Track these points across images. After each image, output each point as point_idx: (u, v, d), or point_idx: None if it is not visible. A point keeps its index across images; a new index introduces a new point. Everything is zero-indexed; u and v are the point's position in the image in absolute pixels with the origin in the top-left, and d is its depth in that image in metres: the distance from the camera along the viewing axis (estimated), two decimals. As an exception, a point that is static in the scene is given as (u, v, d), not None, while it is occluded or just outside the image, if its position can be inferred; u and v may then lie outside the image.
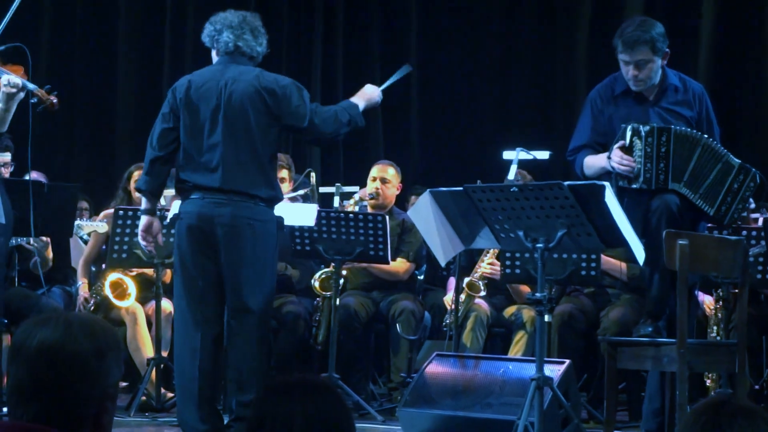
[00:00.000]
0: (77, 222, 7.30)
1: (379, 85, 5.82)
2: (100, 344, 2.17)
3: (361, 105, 5.60)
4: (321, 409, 2.22)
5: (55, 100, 5.06)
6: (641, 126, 5.37)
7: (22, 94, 5.03)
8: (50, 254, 7.25)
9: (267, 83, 5.36)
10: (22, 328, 2.17)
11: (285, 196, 6.99)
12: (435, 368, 6.10)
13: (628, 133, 5.39)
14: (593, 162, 5.63)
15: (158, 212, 6.53)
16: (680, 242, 4.81)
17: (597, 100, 5.70)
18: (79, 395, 2.15)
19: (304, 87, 5.46)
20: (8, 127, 5.22)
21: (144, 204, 5.56)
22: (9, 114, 5.07)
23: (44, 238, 7.00)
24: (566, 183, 4.90)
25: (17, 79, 4.99)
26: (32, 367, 2.13)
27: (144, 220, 5.57)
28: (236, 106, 5.32)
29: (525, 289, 6.87)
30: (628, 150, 5.37)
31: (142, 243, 5.63)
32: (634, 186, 5.38)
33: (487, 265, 7.00)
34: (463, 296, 6.91)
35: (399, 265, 7.31)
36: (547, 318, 5.28)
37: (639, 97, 5.62)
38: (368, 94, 5.68)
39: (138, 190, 5.62)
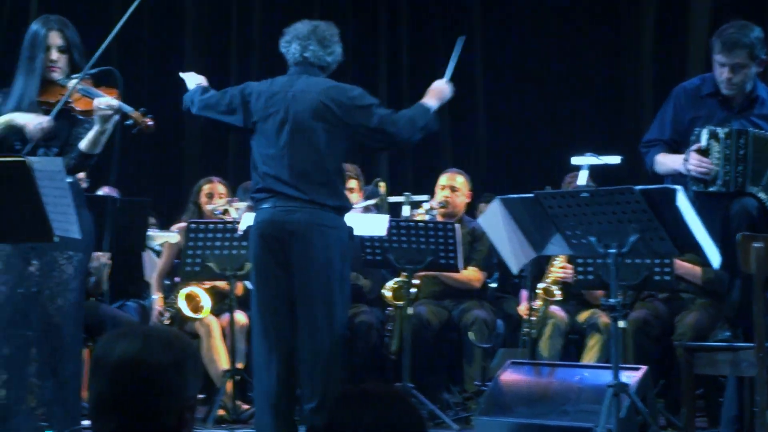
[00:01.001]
0: (149, 233, 7.38)
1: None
2: (178, 356, 2.18)
3: (434, 105, 5.57)
4: (392, 417, 2.22)
5: (150, 123, 5.12)
6: (718, 128, 5.30)
7: (117, 117, 5.09)
8: (105, 275, 7.28)
9: (336, 95, 5.36)
10: (102, 342, 2.20)
11: (355, 206, 7.02)
12: (510, 376, 6.07)
13: (705, 136, 5.32)
14: (666, 161, 5.57)
15: (229, 224, 6.60)
16: (755, 245, 4.75)
17: (681, 97, 5.63)
18: (158, 407, 2.16)
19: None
20: None
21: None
22: (104, 136, 5.14)
23: (104, 259, 7.02)
24: (638, 187, 4.86)
25: (114, 102, 5.05)
26: (113, 380, 2.15)
27: None
28: (302, 117, 5.33)
29: (600, 293, 6.81)
30: (704, 153, 5.31)
31: None
32: (712, 189, 5.32)
33: (559, 269, 6.96)
34: (539, 302, 6.87)
35: (470, 274, 7.29)
36: (621, 324, 5.23)
37: (725, 103, 5.54)
38: (438, 91, 5.65)
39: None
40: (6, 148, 5.22)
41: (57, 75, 5.28)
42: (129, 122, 5.13)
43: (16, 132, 5.23)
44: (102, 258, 6.98)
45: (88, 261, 5.36)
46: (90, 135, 5.14)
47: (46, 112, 5.21)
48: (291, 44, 5.49)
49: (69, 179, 5.13)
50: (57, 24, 5.32)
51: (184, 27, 10.04)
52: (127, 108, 5.07)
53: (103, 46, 5.24)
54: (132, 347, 2.16)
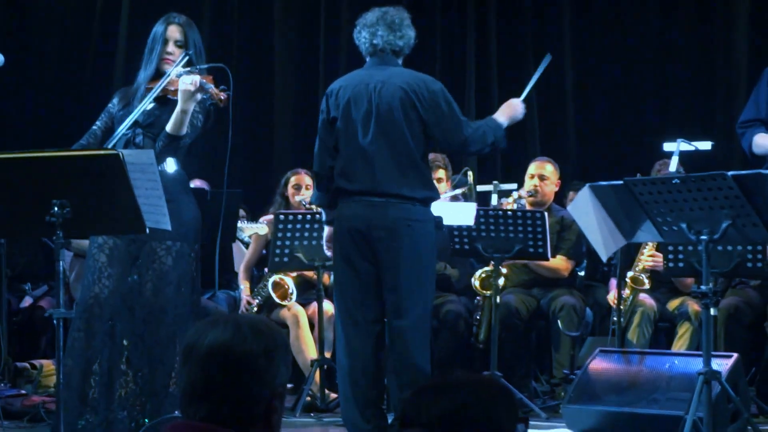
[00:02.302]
0: (238, 224, 7.44)
1: (526, 80, 5.75)
2: (268, 345, 2.20)
3: (505, 123, 5.56)
4: (485, 403, 2.21)
5: (223, 96, 5.15)
6: None
7: (199, 95, 5.15)
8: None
9: (417, 86, 5.35)
10: (193, 331, 2.22)
11: (443, 196, 7.02)
12: (599, 364, 6.04)
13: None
14: (764, 142, 5.47)
15: (317, 215, 6.63)
16: None
17: None
18: (249, 395, 2.18)
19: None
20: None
21: (324, 216, 5.61)
22: (186, 116, 5.18)
23: None
24: (730, 173, 4.79)
25: (196, 78, 5.11)
26: (204, 368, 2.17)
27: (327, 230, 5.63)
28: (387, 109, 5.33)
29: (690, 280, 6.73)
30: None
31: (328, 253, 5.69)
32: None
33: (648, 257, 6.89)
34: (628, 291, 6.81)
35: (559, 262, 7.25)
36: (713, 311, 5.16)
37: None
38: (512, 110, 5.63)
39: (313, 204, 5.70)
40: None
41: (169, 67, 5.37)
42: (205, 96, 5.18)
43: (122, 114, 5.33)
44: None
45: (194, 248, 5.39)
46: (173, 115, 5.20)
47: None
48: (361, 33, 5.49)
49: (175, 167, 5.22)
50: (179, 20, 5.43)
51: (274, 18, 10.08)
52: (208, 85, 5.12)
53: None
54: (223, 335, 2.18)
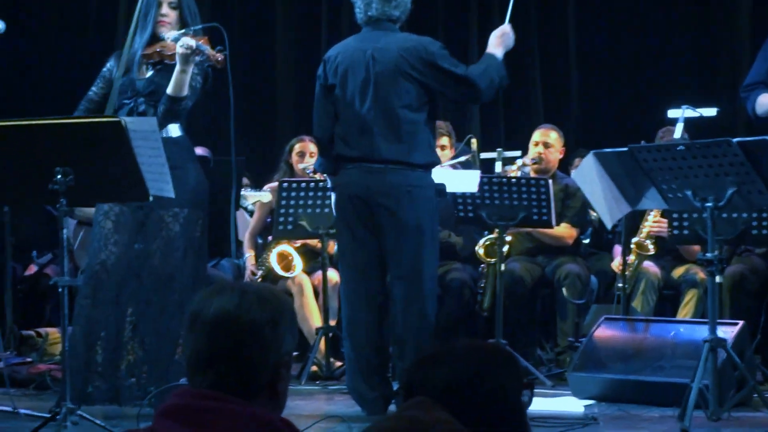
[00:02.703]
0: (242, 192, 7.43)
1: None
2: (274, 313, 2.19)
3: (500, 54, 5.47)
4: (489, 369, 2.21)
5: (220, 57, 5.13)
6: None
7: (196, 57, 5.12)
8: None
9: (415, 49, 5.31)
10: (198, 299, 2.21)
11: (447, 163, 7.00)
12: (604, 332, 6.04)
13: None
14: (766, 101, 5.45)
15: (321, 182, 6.61)
16: None
17: None
18: (254, 363, 2.17)
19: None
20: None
21: (330, 183, 5.58)
22: (186, 76, 5.16)
23: None
24: (735, 140, 4.77)
25: (191, 41, 5.08)
26: (209, 336, 2.16)
27: (333, 197, 5.57)
28: (384, 75, 5.30)
29: (696, 248, 6.71)
30: None
31: None
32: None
33: (653, 224, 6.87)
34: (632, 257, 6.80)
35: (563, 230, 7.24)
36: (718, 279, 5.15)
37: None
38: (504, 39, 5.53)
39: (316, 172, 5.69)
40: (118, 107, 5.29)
41: (165, 30, 5.34)
42: (202, 58, 5.16)
43: (125, 90, 5.30)
44: None
45: (200, 215, 5.37)
46: (173, 77, 5.17)
47: (147, 65, 5.30)
48: (355, 4, 5.46)
49: (179, 132, 5.21)
50: None
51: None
52: (204, 47, 5.10)
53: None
54: (228, 304, 2.17)
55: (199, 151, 7.69)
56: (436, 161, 5.49)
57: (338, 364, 6.80)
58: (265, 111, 10.04)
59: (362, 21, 5.47)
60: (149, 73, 5.28)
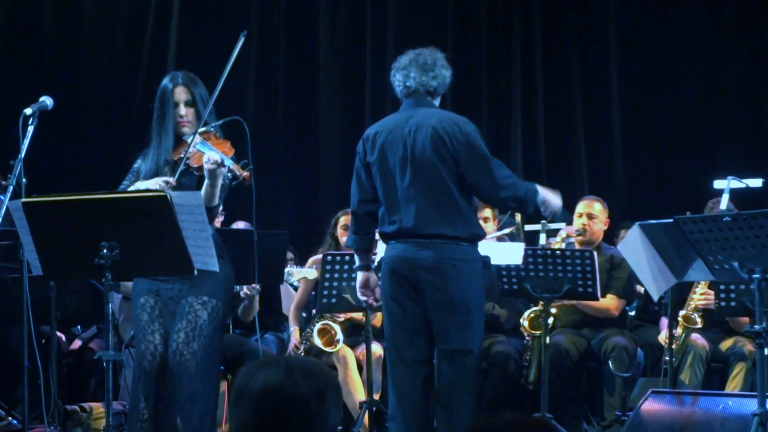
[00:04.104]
0: (287, 269, 7.44)
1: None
2: (320, 387, 2.19)
3: (541, 195, 5.44)
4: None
5: (246, 174, 5.16)
6: None
7: (223, 170, 5.14)
8: (256, 303, 7.38)
9: (449, 127, 5.31)
10: (245, 371, 2.21)
11: (490, 236, 6.98)
12: (651, 406, 5.96)
13: None
14: None
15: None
16: None
17: None
18: (300, 437, 2.17)
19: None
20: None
21: (357, 261, 5.59)
22: (215, 189, 5.19)
23: (257, 286, 7.15)
24: (782, 210, 4.73)
25: (216, 155, 5.11)
26: (256, 409, 2.16)
27: (360, 276, 5.60)
28: (421, 152, 5.29)
29: (744, 319, 6.64)
30: None
31: (362, 298, 5.67)
32: None
33: (701, 296, 6.81)
34: (679, 330, 6.73)
35: (609, 302, 7.18)
36: (766, 351, 5.08)
37: None
38: (552, 197, 5.49)
39: (348, 246, 5.69)
40: None
41: (187, 130, 5.37)
42: (229, 175, 5.18)
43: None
44: (253, 287, 7.09)
45: (225, 311, 5.40)
46: (203, 190, 5.19)
47: (173, 171, 5.32)
48: (395, 76, 5.49)
49: (210, 230, 5.24)
50: (183, 79, 5.42)
51: (319, 59, 10.14)
52: (228, 161, 5.13)
53: (213, 97, 5.34)
54: (275, 377, 2.17)
55: (242, 224, 7.74)
56: (481, 234, 5.47)
57: (382, 438, 6.75)
58: (309, 185, 10.10)
59: (402, 94, 5.50)
60: (175, 176, 5.30)
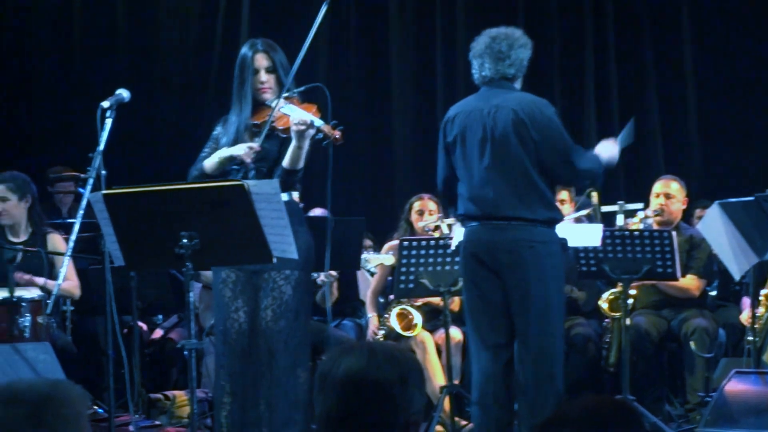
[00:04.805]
0: (364, 256, 7.46)
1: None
2: (403, 372, 2.19)
3: (605, 161, 5.46)
4: (614, 429, 2.17)
5: (338, 135, 5.18)
6: None
7: (312, 131, 5.16)
8: (336, 289, 7.41)
9: (530, 110, 5.29)
10: (327, 359, 2.22)
11: (568, 217, 6.94)
12: (735, 386, 5.89)
13: None
14: None
15: (441, 240, 6.62)
16: None
17: None
18: (384, 422, 2.17)
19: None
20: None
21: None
22: (302, 151, 5.22)
23: (333, 273, 7.17)
24: None
25: (306, 116, 5.13)
26: (339, 395, 2.17)
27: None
28: (501, 134, 5.28)
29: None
30: None
31: None
32: None
33: (784, 274, 6.72)
34: (761, 309, 6.64)
35: (690, 282, 7.11)
36: None
37: None
38: (609, 151, 5.51)
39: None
40: (225, 174, 5.39)
41: (267, 96, 5.41)
42: (319, 135, 5.19)
43: (231, 160, 5.38)
44: (330, 275, 7.11)
45: (308, 278, 5.43)
46: (289, 151, 5.23)
47: (256, 134, 5.35)
48: (472, 62, 5.47)
49: (285, 198, 5.26)
50: (262, 46, 5.45)
51: (389, 43, 10.14)
52: (319, 122, 5.14)
53: (296, 65, 5.35)
54: (358, 363, 2.17)
55: (319, 211, 7.77)
56: (559, 218, 5.44)
57: (463, 423, 6.75)
58: (383, 170, 10.10)
59: (478, 81, 5.47)
60: (259, 140, 5.32)
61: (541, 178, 5.31)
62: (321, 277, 7.13)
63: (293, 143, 5.18)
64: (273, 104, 5.33)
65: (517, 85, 5.47)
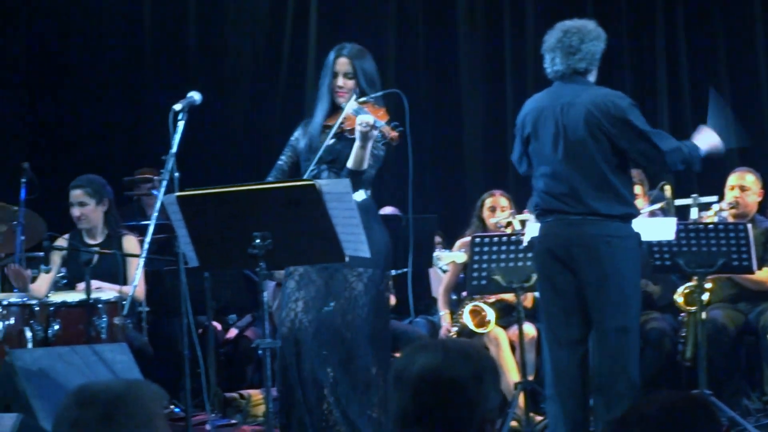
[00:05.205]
0: (436, 253, 7.46)
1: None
2: (478, 369, 2.19)
3: (704, 150, 5.39)
4: (691, 425, 2.16)
5: (395, 134, 5.22)
6: None
7: (375, 133, 5.20)
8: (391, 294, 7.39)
9: (604, 104, 5.25)
10: (402, 356, 2.22)
11: (642, 211, 6.88)
12: (814, 380, 5.82)
13: None
14: None
15: (513, 236, 6.61)
16: None
17: None
18: (459, 419, 2.17)
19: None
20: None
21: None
22: (365, 152, 5.26)
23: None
24: None
25: (369, 117, 5.17)
26: (414, 393, 2.17)
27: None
28: (574, 129, 5.25)
29: None
30: None
31: None
32: None
33: None
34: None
35: (766, 275, 7.02)
36: None
37: None
38: (710, 140, 5.43)
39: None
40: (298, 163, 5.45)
41: (342, 100, 5.47)
42: (379, 136, 5.24)
43: (307, 157, 5.45)
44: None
45: (383, 276, 5.45)
46: (353, 152, 5.28)
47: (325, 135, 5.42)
48: (545, 57, 5.43)
49: (364, 196, 5.29)
50: (347, 51, 5.51)
51: (458, 42, 10.12)
52: (380, 123, 5.19)
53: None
54: (433, 360, 2.18)
55: (390, 210, 7.78)
56: (634, 213, 5.38)
57: (538, 419, 6.72)
58: (454, 168, 10.09)
59: (551, 75, 5.44)
60: (331, 142, 5.38)
61: (615, 174, 5.27)
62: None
63: (356, 143, 5.24)
64: (344, 106, 5.39)
65: (591, 77, 5.43)
